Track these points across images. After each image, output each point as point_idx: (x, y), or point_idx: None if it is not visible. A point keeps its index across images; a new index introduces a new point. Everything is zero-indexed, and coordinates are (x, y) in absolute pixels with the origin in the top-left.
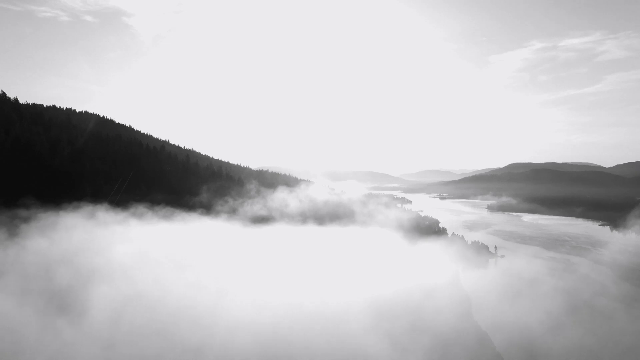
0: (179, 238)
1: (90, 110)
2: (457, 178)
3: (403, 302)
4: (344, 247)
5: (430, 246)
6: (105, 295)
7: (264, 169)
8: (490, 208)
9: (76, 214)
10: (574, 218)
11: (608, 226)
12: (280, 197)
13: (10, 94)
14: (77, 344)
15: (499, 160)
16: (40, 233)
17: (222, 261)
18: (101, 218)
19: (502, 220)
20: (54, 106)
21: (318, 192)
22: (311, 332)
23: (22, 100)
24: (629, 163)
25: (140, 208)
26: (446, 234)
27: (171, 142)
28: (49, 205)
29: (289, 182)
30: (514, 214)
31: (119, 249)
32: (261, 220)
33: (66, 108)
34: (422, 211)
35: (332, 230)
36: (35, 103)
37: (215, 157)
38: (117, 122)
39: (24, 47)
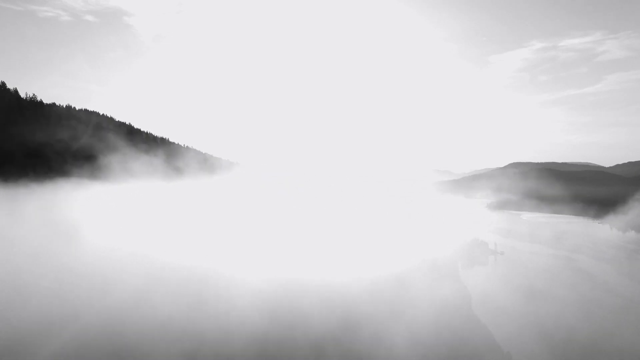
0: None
1: (90, 109)
2: (457, 177)
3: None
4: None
5: (431, 242)
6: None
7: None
8: (490, 206)
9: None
10: (574, 216)
11: (607, 224)
12: None
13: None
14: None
15: (499, 160)
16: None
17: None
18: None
19: (502, 218)
20: (54, 104)
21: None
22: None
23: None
24: (628, 162)
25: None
26: (446, 230)
27: (171, 139)
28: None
29: None
30: (514, 212)
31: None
32: None
33: (66, 106)
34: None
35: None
36: (35, 96)
37: (216, 155)
38: (117, 120)
39: (24, 47)
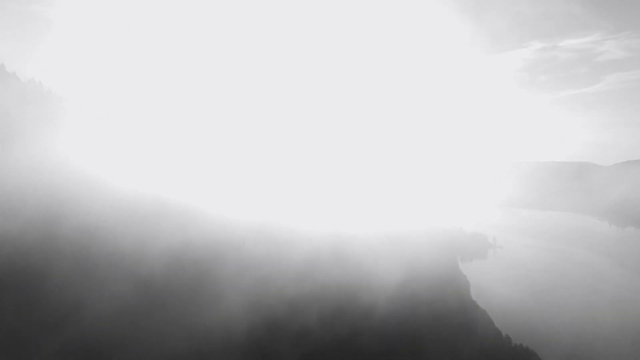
0: None
1: None
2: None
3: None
4: None
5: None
6: None
7: None
8: (490, 204)
9: None
10: (573, 213)
11: (606, 221)
12: None
13: None
14: None
15: (499, 159)
16: None
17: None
18: None
19: (502, 214)
20: None
21: None
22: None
23: None
24: (627, 162)
25: None
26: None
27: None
28: None
29: None
30: (514, 209)
31: None
32: None
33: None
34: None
35: None
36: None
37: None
38: None
39: (24, 47)
